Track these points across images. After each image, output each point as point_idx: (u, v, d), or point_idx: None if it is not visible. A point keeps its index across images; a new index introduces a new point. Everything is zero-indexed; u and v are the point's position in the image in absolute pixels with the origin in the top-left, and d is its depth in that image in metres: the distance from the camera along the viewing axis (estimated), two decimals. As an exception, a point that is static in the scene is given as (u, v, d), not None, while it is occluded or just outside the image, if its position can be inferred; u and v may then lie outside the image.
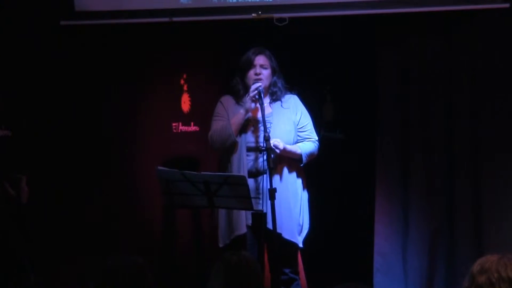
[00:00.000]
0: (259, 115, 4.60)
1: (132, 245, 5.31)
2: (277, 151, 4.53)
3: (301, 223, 4.75)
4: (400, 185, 5.25)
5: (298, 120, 4.77)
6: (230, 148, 4.68)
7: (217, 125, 4.76)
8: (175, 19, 5.18)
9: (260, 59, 4.75)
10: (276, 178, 4.51)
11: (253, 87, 4.62)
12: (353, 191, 5.54)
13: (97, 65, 5.42)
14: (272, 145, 4.48)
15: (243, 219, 4.62)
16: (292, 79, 4.89)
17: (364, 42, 5.37)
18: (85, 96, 5.41)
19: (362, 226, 5.40)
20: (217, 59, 5.58)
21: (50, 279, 5.01)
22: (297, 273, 4.77)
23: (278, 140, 4.57)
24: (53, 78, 5.34)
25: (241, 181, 4.31)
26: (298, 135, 4.77)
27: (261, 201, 4.60)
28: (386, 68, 5.29)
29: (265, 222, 4.53)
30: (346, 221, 5.51)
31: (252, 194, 4.46)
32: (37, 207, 4.96)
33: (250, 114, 4.69)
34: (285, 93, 4.83)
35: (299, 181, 4.76)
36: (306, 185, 4.80)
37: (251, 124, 4.72)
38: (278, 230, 4.47)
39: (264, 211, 4.54)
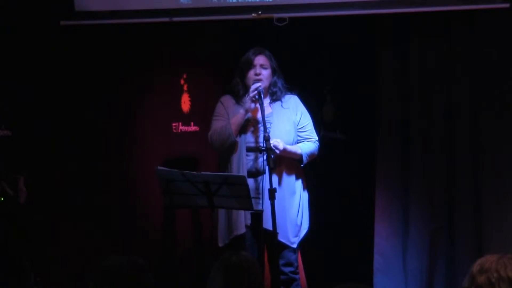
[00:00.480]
0: (259, 115, 4.60)
1: (132, 245, 5.31)
2: (277, 151, 4.53)
3: (298, 224, 4.74)
4: (400, 185, 5.25)
5: (298, 120, 4.77)
6: (229, 148, 4.68)
7: (217, 125, 4.76)
8: (175, 19, 5.18)
9: (260, 59, 4.75)
10: (275, 178, 4.51)
11: (253, 87, 4.62)
12: (353, 191, 5.53)
13: (97, 65, 5.41)
14: (272, 145, 4.48)
15: (242, 219, 4.62)
16: (292, 79, 4.89)
17: (364, 42, 5.37)
18: (85, 96, 5.41)
19: (362, 226, 5.39)
20: (217, 59, 5.59)
21: (50, 279, 5.01)
22: (297, 273, 4.77)
23: (278, 140, 4.57)
24: (53, 78, 5.34)
25: (241, 181, 4.31)
26: (298, 135, 4.77)
27: (261, 201, 4.60)
28: (386, 68, 5.29)
29: (261, 222, 4.53)
30: (346, 221, 5.51)
31: (252, 194, 4.46)
32: (37, 207, 4.97)
33: (250, 114, 4.69)
34: (285, 93, 4.83)
35: (299, 181, 4.76)
36: (306, 186, 4.80)
37: (251, 124, 4.72)
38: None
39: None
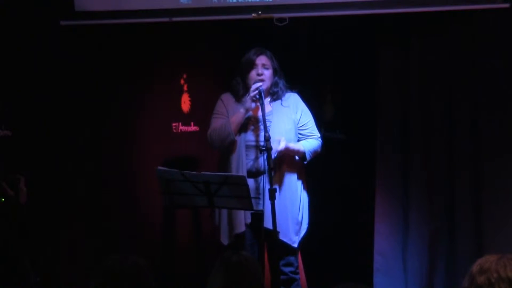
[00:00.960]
0: (260, 113, 4.60)
1: (132, 245, 5.32)
2: (281, 148, 4.53)
3: (299, 224, 4.74)
4: (400, 185, 5.25)
5: (298, 118, 4.76)
6: (229, 147, 4.68)
7: (216, 123, 4.76)
8: (175, 19, 5.18)
9: (262, 59, 4.75)
10: (276, 178, 4.51)
11: (254, 86, 4.62)
12: (353, 191, 5.53)
13: (97, 65, 5.42)
14: (276, 150, 4.48)
15: (242, 218, 4.62)
16: (292, 79, 4.89)
17: (364, 42, 5.37)
18: (85, 96, 5.41)
19: (362, 225, 5.39)
20: (217, 59, 5.58)
21: (50, 279, 5.01)
22: (297, 273, 4.77)
23: (282, 138, 4.57)
24: (53, 78, 5.34)
25: (241, 181, 4.31)
26: (300, 133, 4.77)
27: (261, 201, 4.60)
28: (386, 68, 5.29)
29: (263, 222, 4.53)
30: (346, 221, 5.51)
31: (252, 194, 4.46)
32: (37, 207, 4.97)
33: (250, 113, 4.69)
34: (286, 92, 4.82)
35: (299, 181, 4.76)
36: (306, 186, 4.80)
37: (251, 123, 4.72)
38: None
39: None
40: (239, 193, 4.31)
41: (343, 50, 5.47)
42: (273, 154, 4.46)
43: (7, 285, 4.14)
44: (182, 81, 5.64)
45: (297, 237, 4.73)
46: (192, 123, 5.62)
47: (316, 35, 5.45)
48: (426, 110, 5.21)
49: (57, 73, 5.35)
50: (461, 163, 5.15)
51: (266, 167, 4.42)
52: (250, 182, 4.49)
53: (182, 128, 5.62)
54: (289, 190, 4.68)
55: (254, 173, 4.66)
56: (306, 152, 4.69)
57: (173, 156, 5.49)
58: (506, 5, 4.90)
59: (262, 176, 4.61)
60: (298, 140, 4.76)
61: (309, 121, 4.80)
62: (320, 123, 5.02)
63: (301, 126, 4.78)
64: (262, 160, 4.61)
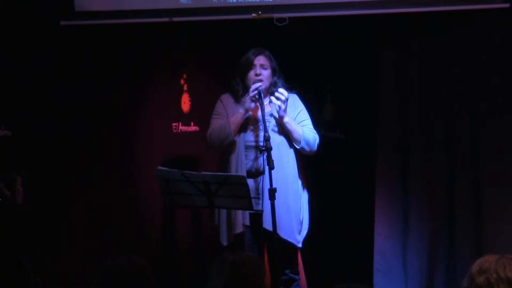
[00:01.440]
0: (259, 113, 4.60)
1: (132, 245, 5.31)
2: (283, 98, 4.57)
3: (301, 223, 4.75)
4: (400, 185, 5.25)
5: (295, 116, 4.76)
6: (228, 147, 4.68)
7: (215, 123, 4.76)
8: (175, 19, 5.18)
9: (260, 60, 4.75)
10: (276, 177, 4.51)
11: (253, 87, 4.62)
12: (353, 191, 5.53)
13: (97, 65, 5.42)
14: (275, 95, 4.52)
15: (240, 218, 4.62)
16: (292, 79, 4.89)
17: (364, 42, 5.37)
18: (85, 96, 5.41)
19: (362, 226, 5.39)
20: (217, 59, 5.58)
21: (50, 279, 5.01)
22: (297, 273, 4.77)
23: (282, 90, 4.59)
24: (53, 78, 5.34)
25: (241, 181, 4.31)
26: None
27: (260, 201, 4.60)
28: (386, 68, 5.29)
29: (262, 222, 4.53)
30: (346, 221, 5.51)
31: (252, 194, 4.45)
32: (37, 207, 4.97)
33: (250, 113, 4.69)
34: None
35: (300, 181, 4.76)
36: (306, 185, 4.80)
37: (251, 123, 4.72)
38: (277, 230, 4.47)
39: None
40: (239, 193, 4.30)
41: (343, 50, 5.47)
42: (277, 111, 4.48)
43: (7, 285, 4.14)
44: (182, 81, 5.64)
45: (300, 236, 4.74)
46: (192, 123, 5.62)
47: (316, 35, 5.45)
48: (426, 110, 5.21)
49: (57, 73, 5.35)
50: (461, 163, 5.15)
51: (266, 167, 4.42)
52: (250, 182, 4.49)
53: (182, 128, 5.62)
54: (291, 190, 4.68)
55: (254, 173, 4.66)
56: (302, 137, 4.67)
57: (173, 156, 5.49)
58: (506, 5, 4.91)
59: (262, 176, 4.61)
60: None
61: (306, 119, 4.80)
62: (320, 123, 5.02)
63: (299, 123, 4.76)
64: (261, 160, 4.61)
